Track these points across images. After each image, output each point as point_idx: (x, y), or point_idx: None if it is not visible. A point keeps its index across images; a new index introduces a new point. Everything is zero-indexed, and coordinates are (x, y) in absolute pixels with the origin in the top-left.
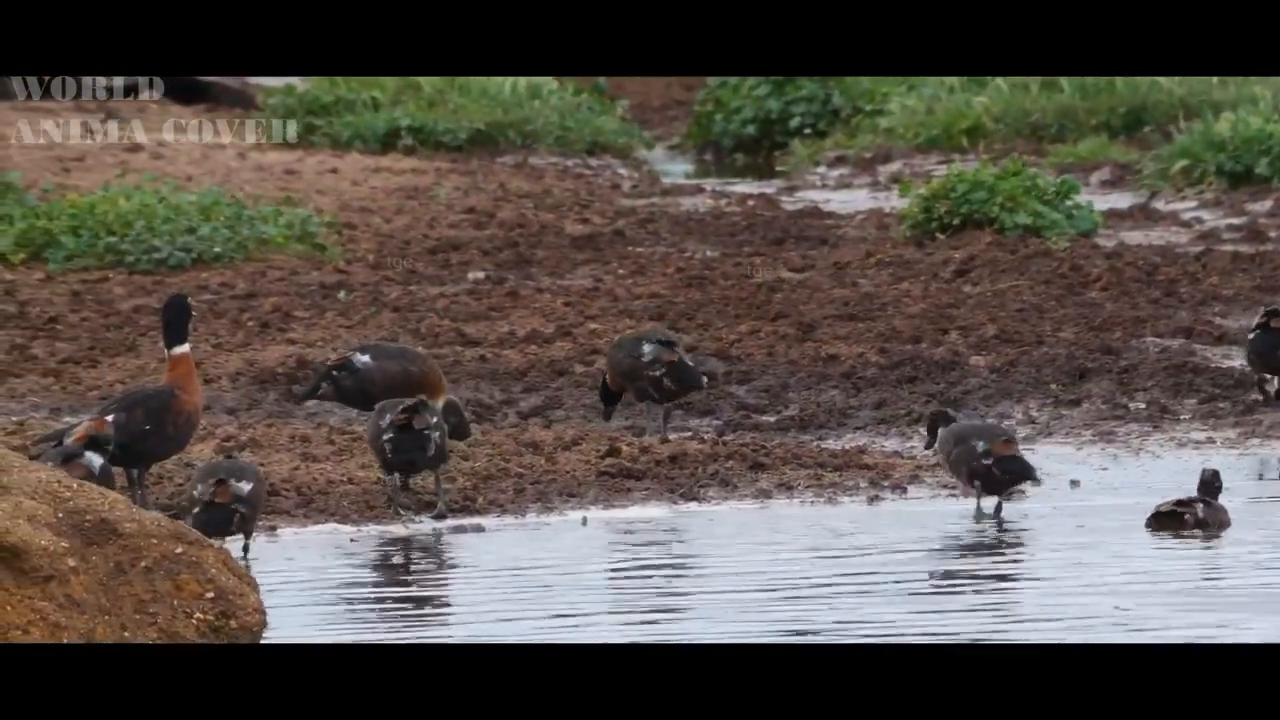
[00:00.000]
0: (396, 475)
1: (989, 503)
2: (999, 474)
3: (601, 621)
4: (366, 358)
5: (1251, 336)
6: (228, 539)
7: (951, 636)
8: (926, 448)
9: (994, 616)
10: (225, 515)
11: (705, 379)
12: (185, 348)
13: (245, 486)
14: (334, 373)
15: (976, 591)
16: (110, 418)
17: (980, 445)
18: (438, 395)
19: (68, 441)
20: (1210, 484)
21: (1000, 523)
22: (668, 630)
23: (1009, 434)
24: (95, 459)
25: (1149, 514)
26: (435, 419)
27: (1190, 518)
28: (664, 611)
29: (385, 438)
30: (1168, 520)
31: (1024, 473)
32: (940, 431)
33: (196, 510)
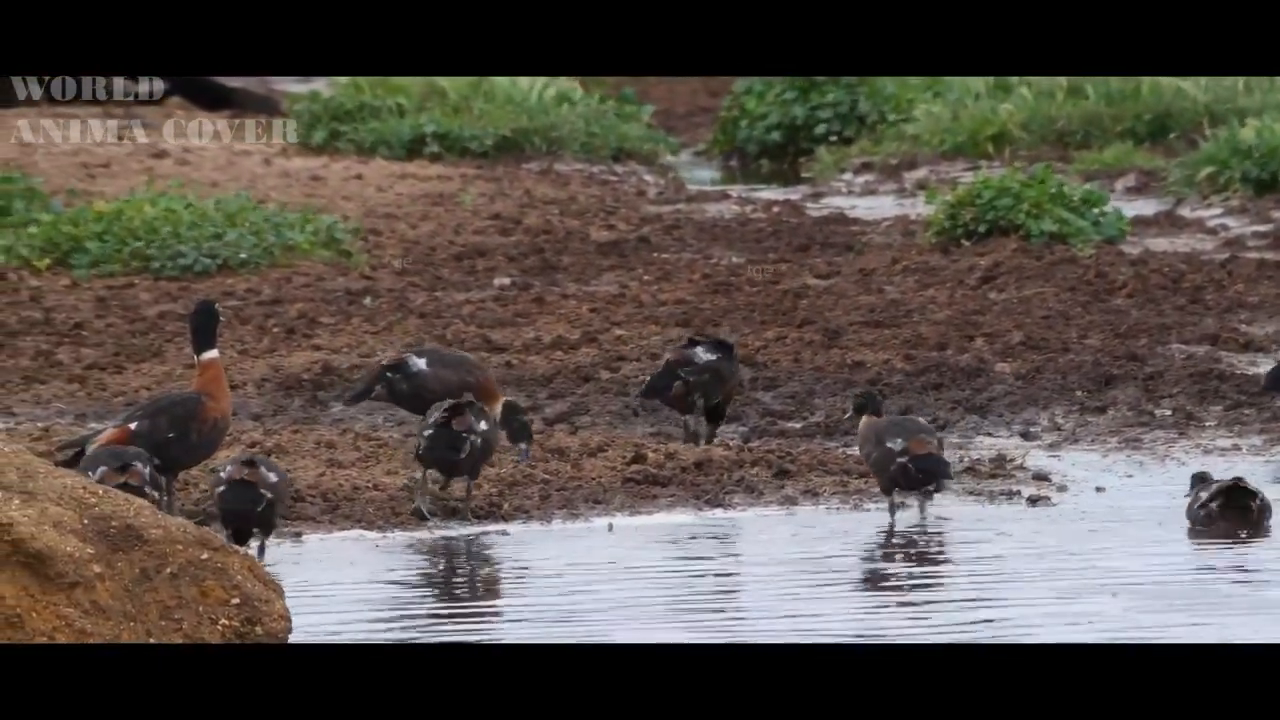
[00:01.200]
0: (428, 474)
1: (908, 501)
2: (914, 472)
3: (620, 625)
4: (423, 363)
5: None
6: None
7: (958, 638)
8: (846, 416)
9: (1002, 618)
10: (253, 495)
11: (658, 396)
12: (214, 353)
13: (273, 476)
14: (388, 374)
15: (988, 593)
16: (134, 425)
17: (897, 444)
18: (492, 403)
19: (90, 449)
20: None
21: (925, 525)
22: (690, 634)
23: (928, 429)
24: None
25: (1215, 502)
26: (484, 425)
27: (1255, 506)
28: (686, 615)
29: (425, 434)
30: (1237, 512)
31: (938, 472)
32: (861, 427)
33: (222, 489)
